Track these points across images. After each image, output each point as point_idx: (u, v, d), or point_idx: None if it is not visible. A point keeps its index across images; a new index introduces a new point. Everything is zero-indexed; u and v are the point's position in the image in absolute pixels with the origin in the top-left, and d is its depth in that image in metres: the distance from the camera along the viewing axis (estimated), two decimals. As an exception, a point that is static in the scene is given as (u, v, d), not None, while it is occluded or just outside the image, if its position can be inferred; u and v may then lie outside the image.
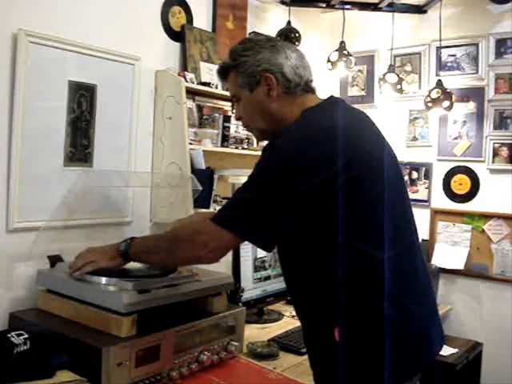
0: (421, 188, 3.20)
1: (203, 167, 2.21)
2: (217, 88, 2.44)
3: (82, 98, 1.99)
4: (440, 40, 2.95)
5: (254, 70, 1.39)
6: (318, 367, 1.36)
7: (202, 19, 2.55)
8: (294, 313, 2.42)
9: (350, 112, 1.43)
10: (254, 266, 2.40)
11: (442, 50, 3.08)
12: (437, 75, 3.07)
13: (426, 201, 3.17)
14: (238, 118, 1.53)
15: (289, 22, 2.82)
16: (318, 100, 1.42)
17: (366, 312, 1.25)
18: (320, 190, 1.22)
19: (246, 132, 2.64)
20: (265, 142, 1.47)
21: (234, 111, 1.56)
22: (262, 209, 1.25)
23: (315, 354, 1.36)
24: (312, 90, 1.44)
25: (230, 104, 2.57)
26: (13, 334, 1.46)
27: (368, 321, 1.24)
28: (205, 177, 2.16)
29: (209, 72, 2.46)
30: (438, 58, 3.10)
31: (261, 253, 2.44)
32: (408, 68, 3.25)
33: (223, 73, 1.48)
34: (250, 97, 1.42)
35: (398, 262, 1.28)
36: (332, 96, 1.45)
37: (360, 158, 1.27)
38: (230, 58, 1.45)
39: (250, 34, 2.82)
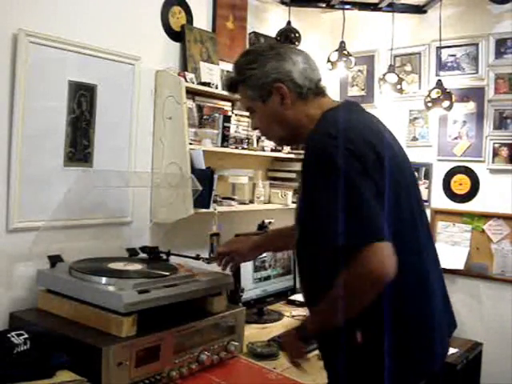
0: (421, 188, 3.19)
1: (203, 167, 2.21)
2: (217, 88, 2.44)
3: (82, 98, 1.99)
4: (440, 40, 2.95)
5: (264, 81, 1.38)
6: (334, 368, 1.35)
7: (202, 19, 2.55)
8: (294, 313, 2.43)
9: (369, 113, 1.46)
10: (254, 266, 2.40)
11: (442, 50, 3.08)
12: (437, 75, 3.07)
13: (425, 201, 3.16)
14: (254, 128, 1.53)
15: (289, 22, 2.82)
16: (335, 102, 1.43)
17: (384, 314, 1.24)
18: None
19: (246, 132, 2.65)
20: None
21: (250, 122, 1.57)
22: (371, 202, 1.20)
23: (332, 356, 1.35)
24: (323, 92, 1.44)
25: (230, 104, 2.57)
26: (13, 333, 1.46)
27: (387, 323, 1.24)
28: (205, 177, 2.16)
29: (209, 72, 2.46)
30: (438, 57, 3.10)
31: (261, 253, 2.44)
32: (408, 68, 3.25)
33: (232, 87, 1.48)
34: (264, 108, 1.42)
35: (415, 262, 1.29)
36: (347, 100, 1.48)
37: (388, 148, 1.29)
38: (236, 72, 1.44)
39: (249, 34, 2.82)
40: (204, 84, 2.37)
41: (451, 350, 2.70)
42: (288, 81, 1.37)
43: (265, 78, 1.38)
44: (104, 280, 1.62)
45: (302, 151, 1.35)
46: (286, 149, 2.79)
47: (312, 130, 1.32)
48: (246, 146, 2.55)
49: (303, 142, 1.37)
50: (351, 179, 1.19)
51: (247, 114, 2.62)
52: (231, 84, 1.47)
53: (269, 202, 2.72)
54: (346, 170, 1.19)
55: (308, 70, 1.40)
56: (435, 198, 3.16)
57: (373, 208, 1.19)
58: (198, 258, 1.95)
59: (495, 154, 2.93)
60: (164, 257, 2.01)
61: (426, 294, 1.31)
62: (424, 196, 3.17)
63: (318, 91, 1.42)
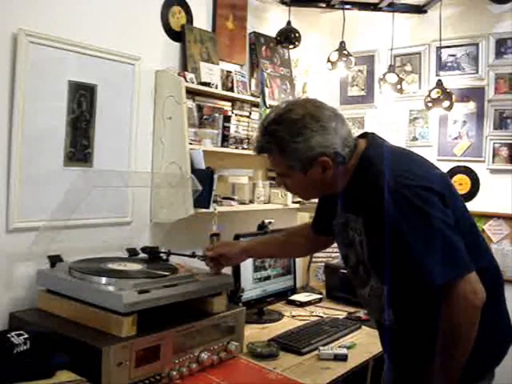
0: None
1: (203, 167, 2.21)
2: (217, 88, 2.44)
3: (82, 98, 1.99)
4: (440, 40, 2.94)
5: (308, 155, 1.34)
6: None
7: (202, 19, 2.55)
8: (293, 313, 2.43)
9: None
10: (254, 266, 2.40)
11: (442, 50, 3.08)
12: (437, 75, 3.07)
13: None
14: (281, 186, 1.51)
15: (289, 22, 2.82)
16: (362, 141, 1.43)
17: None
18: None
19: (246, 132, 2.65)
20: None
21: (277, 180, 1.51)
22: (455, 237, 1.27)
23: None
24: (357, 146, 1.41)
25: (230, 104, 2.57)
26: (13, 334, 1.46)
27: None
28: (205, 177, 2.16)
29: (209, 72, 2.45)
30: (438, 57, 3.10)
31: (261, 253, 2.44)
32: (408, 68, 3.25)
33: (264, 152, 1.42)
34: (303, 177, 1.38)
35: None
36: (366, 132, 1.47)
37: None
38: (275, 141, 1.36)
39: (249, 34, 2.82)
40: (204, 84, 2.37)
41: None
42: (332, 153, 1.34)
43: (309, 152, 1.33)
44: (104, 280, 1.62)
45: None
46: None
47: (376, 173, 1.31)
48: (245, 146, 2.55)
49: (334, 192, 1.42)
50: (437, 217, 1.25)
51: (247, 114, 2.65)
52: (265, 150, 1.41)
53: (269, 202, 2.71)
54: (431, 209, 1.25)
55: (347, 136, 1.38)
56: (435, 197, 3.16)
57: (457, 242, 1.26)
58: (193, 255, 1.94)
59: (495, 154, 2.93)
60: (164, 257, 2.01)
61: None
62: (424, 196, 3.17)
63: (355, 150, 1.39)
